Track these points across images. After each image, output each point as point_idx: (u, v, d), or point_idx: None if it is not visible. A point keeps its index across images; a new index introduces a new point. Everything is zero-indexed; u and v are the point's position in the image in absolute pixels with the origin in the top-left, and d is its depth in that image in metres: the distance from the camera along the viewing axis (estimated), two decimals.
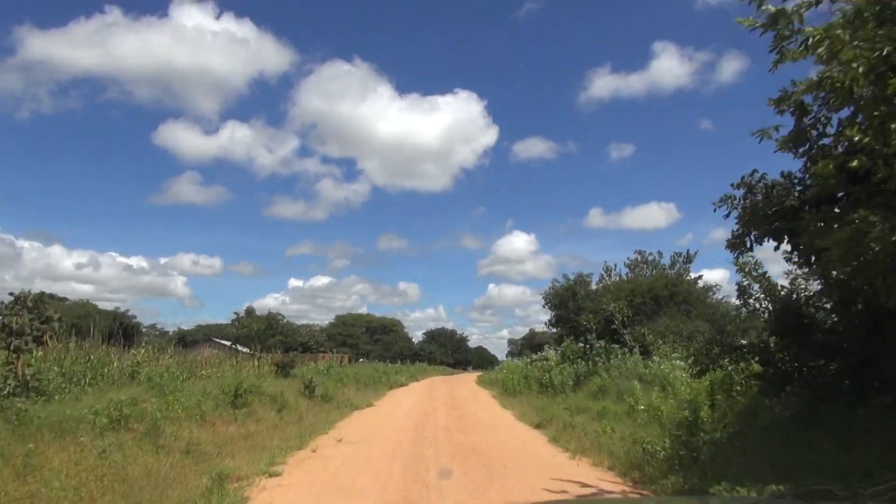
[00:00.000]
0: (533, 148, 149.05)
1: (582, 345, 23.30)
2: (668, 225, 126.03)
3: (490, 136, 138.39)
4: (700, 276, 29.97)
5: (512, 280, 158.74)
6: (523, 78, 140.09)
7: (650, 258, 35.74)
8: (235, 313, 37.24)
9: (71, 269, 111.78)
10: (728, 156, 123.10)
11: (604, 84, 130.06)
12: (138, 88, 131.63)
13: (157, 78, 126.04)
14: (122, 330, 28.98)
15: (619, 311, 22.54)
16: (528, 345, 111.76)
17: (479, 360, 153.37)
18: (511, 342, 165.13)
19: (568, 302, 35.96)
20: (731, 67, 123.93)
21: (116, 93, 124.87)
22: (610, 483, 8.01)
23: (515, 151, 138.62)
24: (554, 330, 51.10)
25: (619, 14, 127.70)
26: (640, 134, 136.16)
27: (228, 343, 45.11)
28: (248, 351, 28.19)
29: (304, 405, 16.50)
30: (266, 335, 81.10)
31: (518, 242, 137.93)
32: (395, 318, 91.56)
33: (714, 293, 28.94)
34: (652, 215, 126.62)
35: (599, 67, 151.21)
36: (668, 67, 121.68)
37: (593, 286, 37.28)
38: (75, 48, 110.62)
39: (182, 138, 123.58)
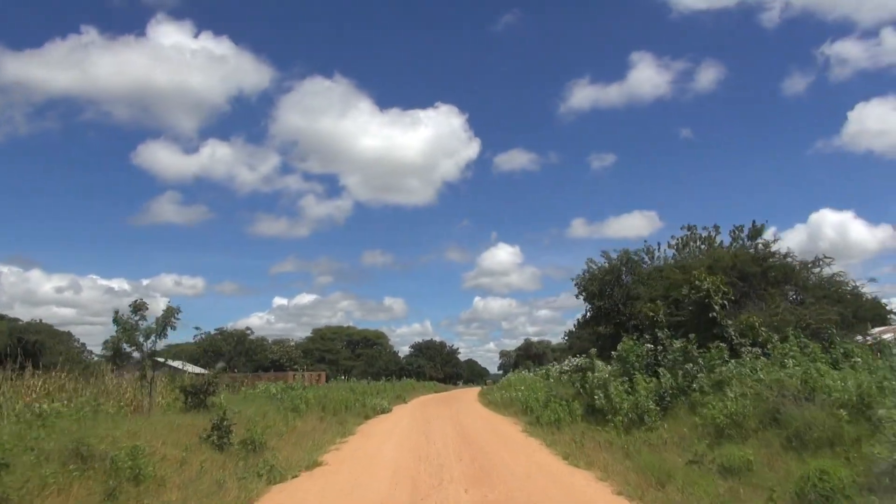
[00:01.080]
0: (515, 160, 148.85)
1: (651, 345, 15.52)
2: (651, 233, 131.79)
3: (472, 149, 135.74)
4: (788, 252, 21.99)
5: (497, 292, 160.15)
6: (503, 90, 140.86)
7: (703, 234, 28.05)
8: (196, 328, 29.40)
9: (51, 293, 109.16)
10: (708, 163, 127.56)
11: (583, 95, 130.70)
12: (116, 108, 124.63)
13: (136, 97, 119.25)
14: (21, 348, 21.13)
15: (717, 291, 14.84)
16: (525, 355, 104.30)
17: (469, 373, 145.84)
18: (503, 354, 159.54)
19: (612, 289, 28.52)
20: (708, 76, 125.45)
21: (94, 113, 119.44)
22: None
23: (497, 164, 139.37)
24: (570, 334, 42.40)
25: (597, 25, 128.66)
26: (621, 143, 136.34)
27: (179, 364, 38.83)
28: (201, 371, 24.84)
29: (189, 470, 8.50)
30: (235, 352, 70.69)
31: (502, 255, 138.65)
32: (379, 331, 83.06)
33: (823, 266, 21.13)
34: (634, 224, 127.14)
35: (579, 78, 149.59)
36: (647, 77, 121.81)
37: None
38: (51, 69, 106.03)
39: (162, 158, 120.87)
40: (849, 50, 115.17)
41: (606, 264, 32.88)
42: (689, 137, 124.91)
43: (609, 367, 16.51)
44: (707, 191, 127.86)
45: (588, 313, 35.40)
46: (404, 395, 37.83)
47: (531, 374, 45.20)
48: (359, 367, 75.25)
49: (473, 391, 54.16)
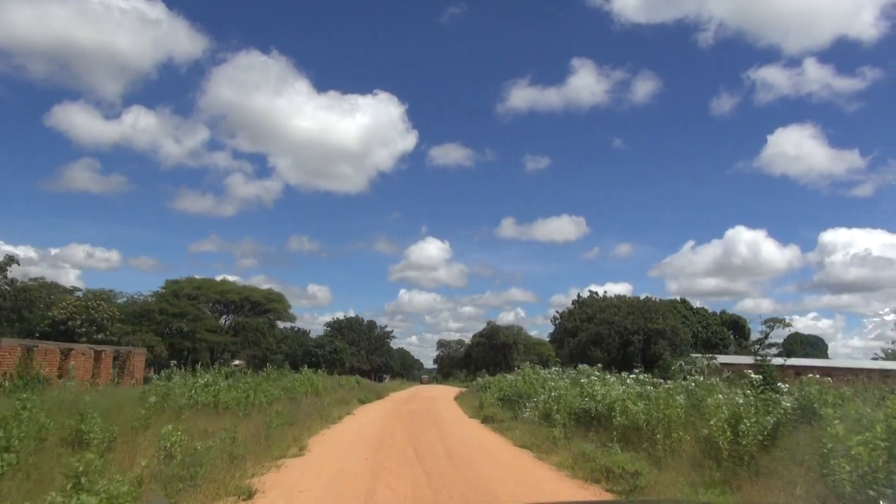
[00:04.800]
0: (450, 154, 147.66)
1: None
2: (578, 238, 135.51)
3: (409, 140, 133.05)
4: None
5: (424, 287, 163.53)
6: (444, 83, 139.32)
7: None
8: None
9: None
10: (636, 174, 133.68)
11: (522, 95, 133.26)
12: (32, 63, 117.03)
13: (55, 54, 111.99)
14: None
15: None
16: (489, 344, 79.89)
17: (401, 366, 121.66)
18: (442, 344, 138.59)
19: None
20: (644, 88, 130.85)
21: (6, 66, 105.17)
22: None
23: (433, 157, 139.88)
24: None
25: (541, 27, 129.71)
26: (556, 147, 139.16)
27: None
28: None
29: None
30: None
31: (432, 249, 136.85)
32: (273, 291, 55.68)
33: None
34: (563, 228, 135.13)
35: (519, 78, 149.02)
36: (586, 84, 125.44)
37: None
38: None
39: (79, 121, 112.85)
40: (773, 76, 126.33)
41: None
42: (620, 147, 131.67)
43: None
44: (634, 200, 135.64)
45: None
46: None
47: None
48: (235, 344, 47.33)
49: (435, 393, 42.02)
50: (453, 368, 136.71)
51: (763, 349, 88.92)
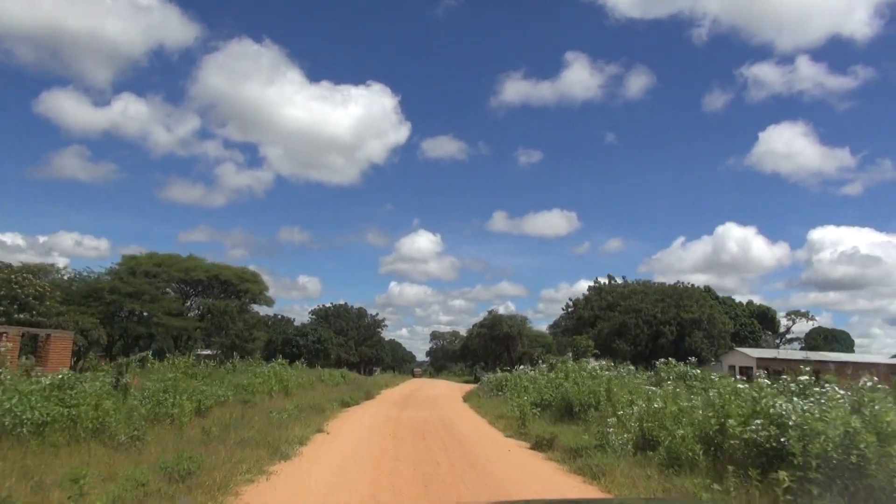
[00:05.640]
0: (443, 147, 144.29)
1: None
2: (569, 233, 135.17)
3: (401, 132, 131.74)
4: None
5: (414, 279, 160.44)
6: (437, 75, 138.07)
7: None
8: None
9: None
10: (628, 169, 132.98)
11: (516, 89, 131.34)
12: (20, 48, 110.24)
13: (44, 39, 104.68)
14: None
15: None
16: (489, 335, 72.56)
17: (392, 358, 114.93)
18: (435, 336, 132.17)
19: None
20: (637, 83, 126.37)
21: None
22: None
23: (425, 149, 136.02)
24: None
25: (535, 20, 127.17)
26: (549, 141, 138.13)
27: None
28: None
29: None
30: None
31: (423, 242, 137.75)
32: (247, 270, 47.98)
33: None
34: (554, 222, 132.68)
35: (513, 71, 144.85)
36: (579, 78, 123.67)
37: None
38: None
39: (68, 108, 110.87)
40: (766, 73, 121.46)
41: None
42: (613, 142, 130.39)
43: None
44: (625, 196, 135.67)
45: None
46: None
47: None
48: (199, 330, 40.19)
49: (443, 391, 33.51)
50: (447, 361, 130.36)
51: (783, 344, 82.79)
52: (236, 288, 45.52)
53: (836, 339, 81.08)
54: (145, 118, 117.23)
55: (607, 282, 54.01)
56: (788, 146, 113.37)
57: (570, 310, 56.35)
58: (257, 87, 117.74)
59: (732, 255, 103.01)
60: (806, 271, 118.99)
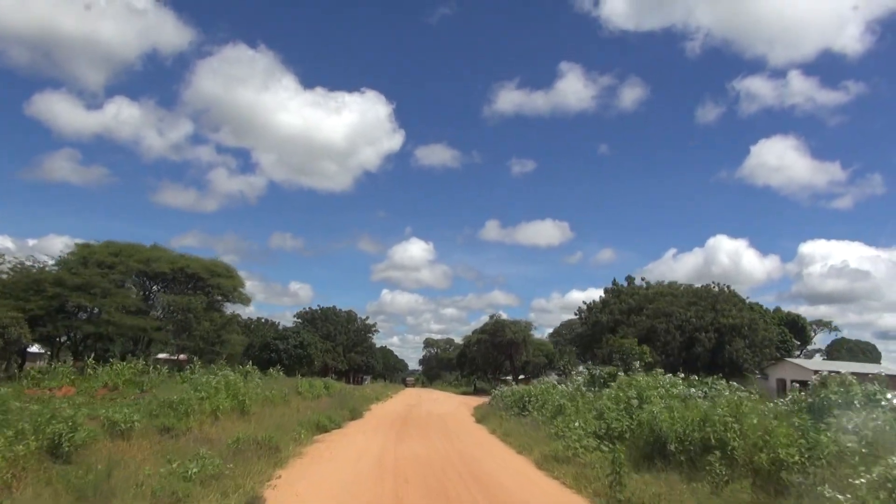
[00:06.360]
0: (437, 155, 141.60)
1: None
2: (561, 243, 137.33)
3: (395, 140, 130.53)
4: None
5: (406, 287, 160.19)
6: (432, 83, 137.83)
7: None
8: None
9: None
10: (621, 180, 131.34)
11: (510, 98, 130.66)
12: (13, 50, 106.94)
13: (37, 41, 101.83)
14: None
15: None
16: (491, 342, 66.34)
17: (384, 366, 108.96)
18: (429, 343, 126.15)
19: None
20: (631, 95, 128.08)
21: None
22: None
23: (419, 157, 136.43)
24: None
25: (529, 30, 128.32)
26: (542, 151, 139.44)
27: None
28: None
29: None
30: None
31: (415, 250, 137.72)
32: (219, 262, 41.74)
33: None
34: (546, 232, 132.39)
35: (507, 81, 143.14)
36: (573, 89, 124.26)
37: None
38: None
39: (61, 111, 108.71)
40: (758, 87, 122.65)
41: None
42: (606, 153, 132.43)
43: None
44: (618, 206, 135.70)
45: None
46: None
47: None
48: (160, 331, 34.17)
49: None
50: (441, 370, 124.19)
51: (801, 355, 77.20)
52: (206, 283, 39.36)
53: (861, 350, 75.76)
54: (138, 122, 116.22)
55: (626, 284, 48.29)
56: (780, 160, 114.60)
57: (582, 315, 50.53)
58: (251, 93, 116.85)
59: (724, 267, 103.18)
60: (796, 284, 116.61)
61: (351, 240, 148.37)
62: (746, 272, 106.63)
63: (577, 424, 13.64)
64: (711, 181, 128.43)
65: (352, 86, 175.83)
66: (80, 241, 39.69)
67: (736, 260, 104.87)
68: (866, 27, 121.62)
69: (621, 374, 19.04)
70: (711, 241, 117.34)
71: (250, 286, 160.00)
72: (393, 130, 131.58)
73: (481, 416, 23.05)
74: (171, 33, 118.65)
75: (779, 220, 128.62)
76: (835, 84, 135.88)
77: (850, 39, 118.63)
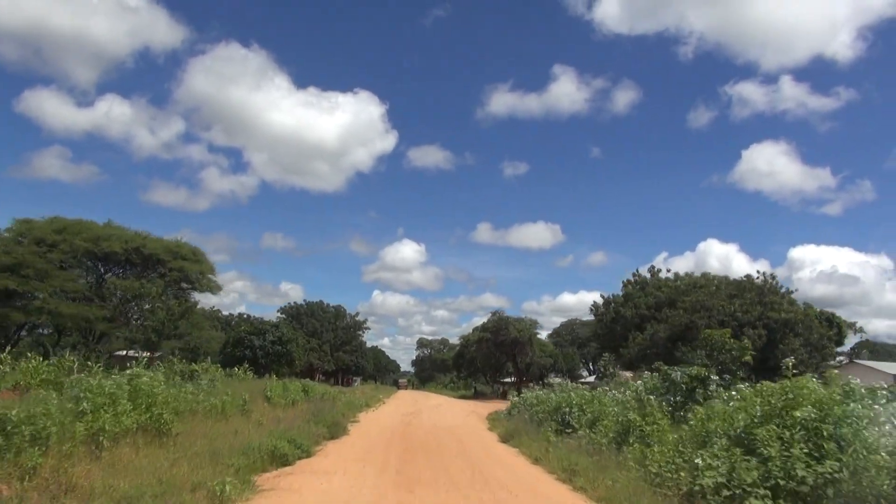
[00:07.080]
0: (429, 156, 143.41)
1: None
2: (553, 245, 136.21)
3: (388, 141, 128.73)
4: None
5: (397, 289, 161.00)
6: (425, 84, 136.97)
7: None
8: None
9: None
10: (613, 183, 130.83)
11: (503, 100, 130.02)
12: (4, 46, 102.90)
13: (28, 37, 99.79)
14: None
15: None
16: (493, 340, 60.51)
17: (374, 367, 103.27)
18: (422, 343, 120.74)
19: None
20: (623, 98, 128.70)
21: None
22: None
23: (411, 158, 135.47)
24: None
25: (523, 33, 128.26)
26: (535, 153, 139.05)
27: None
28: None
29: None
30: None
31: (407, 251, 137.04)
32: (183, 243, 35.61)
33: None
34: (538, 234, 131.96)
35: (500, 83, 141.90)
36: (566, 92, 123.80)
37: None
38: None
39: (50, 108, 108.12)
40: (750, 92, 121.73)
41: None
42: (598, 156, 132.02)
43: None
44: (610, 209, 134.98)
45: None
46: None
47: None
48: (107, 321, 27.72)
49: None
50: (435, 371, 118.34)
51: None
52: (167, 266, 33.38)
53: (888, 353, 70.77)
54: (129, 120, 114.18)
55: (650, 275, 42.77)
56: (771, 165, 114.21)
57: (598, 311, 44.89)
58: (243, 92, 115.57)
59: (714, 271, 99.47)
60: (785, 289, 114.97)
61: (343, 240, 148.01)
62: (736, 276, 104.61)
63: (699, 462, 8.07)
64: (703, 185, 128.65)
65: (345, 86, 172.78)
66: (21, 217, 33.69)
67: (726, 264, 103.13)
68: (857, 34, 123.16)
69: (714, 377, 13.49)
70: (702, 245, 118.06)
71: (241, 286, 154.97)
72: (386, 131, 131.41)
73: (506, 433, 17.33)
74: (164, 31, 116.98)
75: (769, 224, 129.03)
76: (826, 90, 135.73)
77: (842, 46, 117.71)
